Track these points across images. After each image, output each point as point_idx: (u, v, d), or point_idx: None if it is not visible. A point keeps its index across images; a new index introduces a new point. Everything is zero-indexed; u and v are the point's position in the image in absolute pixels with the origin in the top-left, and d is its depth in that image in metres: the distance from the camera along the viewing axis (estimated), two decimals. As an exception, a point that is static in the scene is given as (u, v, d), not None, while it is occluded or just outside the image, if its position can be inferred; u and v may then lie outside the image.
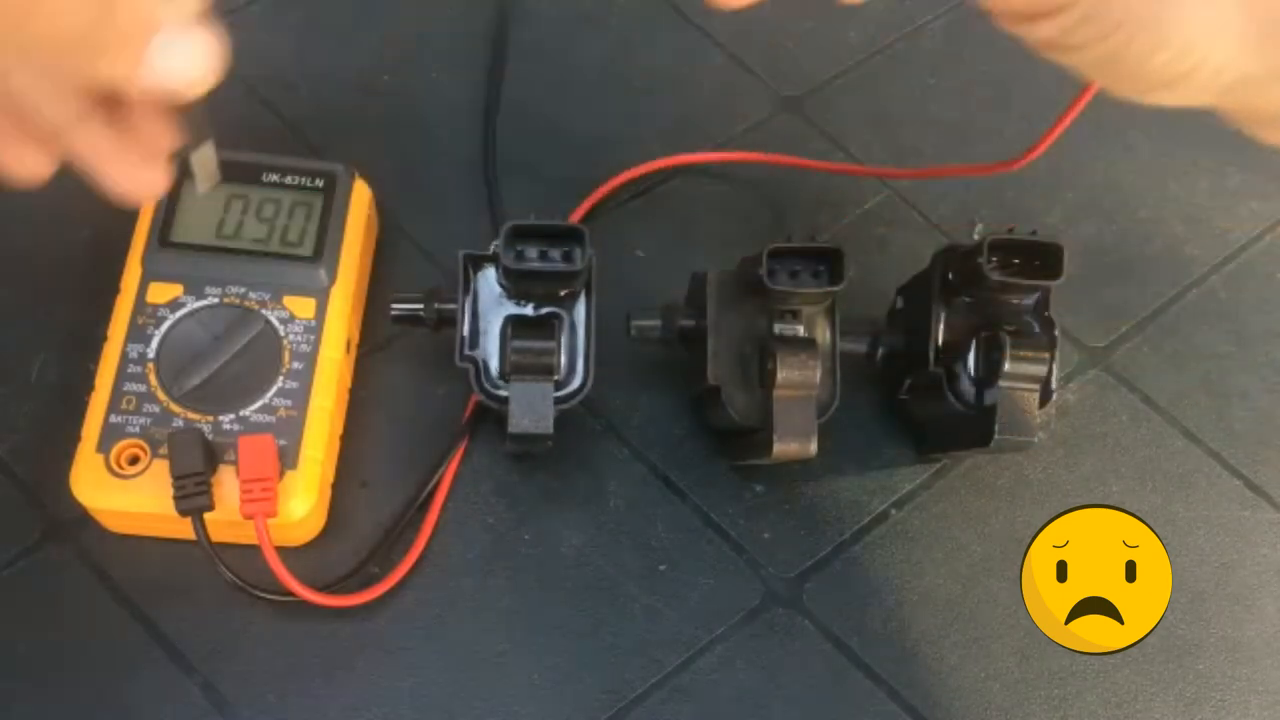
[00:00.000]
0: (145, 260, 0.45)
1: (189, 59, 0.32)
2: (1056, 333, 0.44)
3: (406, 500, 0.45)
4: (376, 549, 0.44)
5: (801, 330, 0.44)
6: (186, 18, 0.31)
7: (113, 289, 0.45)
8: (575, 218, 0.51)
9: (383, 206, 0.50)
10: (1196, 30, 0.31)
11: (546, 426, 0.42)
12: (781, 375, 0.42)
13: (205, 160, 0.36)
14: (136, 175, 0.36)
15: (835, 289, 0.42)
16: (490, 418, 0.46)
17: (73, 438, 0.42)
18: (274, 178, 0.46)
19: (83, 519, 0.43)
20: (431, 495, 0.45)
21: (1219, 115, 0.35)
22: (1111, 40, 0.30)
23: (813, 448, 0.43)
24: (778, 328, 0.44)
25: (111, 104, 0.33)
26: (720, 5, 0.34)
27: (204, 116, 0.35)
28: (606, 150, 0.54)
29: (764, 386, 0.43)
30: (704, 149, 0.54)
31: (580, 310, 0.44)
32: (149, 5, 0.30)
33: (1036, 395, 0.43)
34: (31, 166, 0.35)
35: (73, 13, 0.29)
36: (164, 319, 0.44)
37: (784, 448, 0.42)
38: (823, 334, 0.45)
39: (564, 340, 0.43)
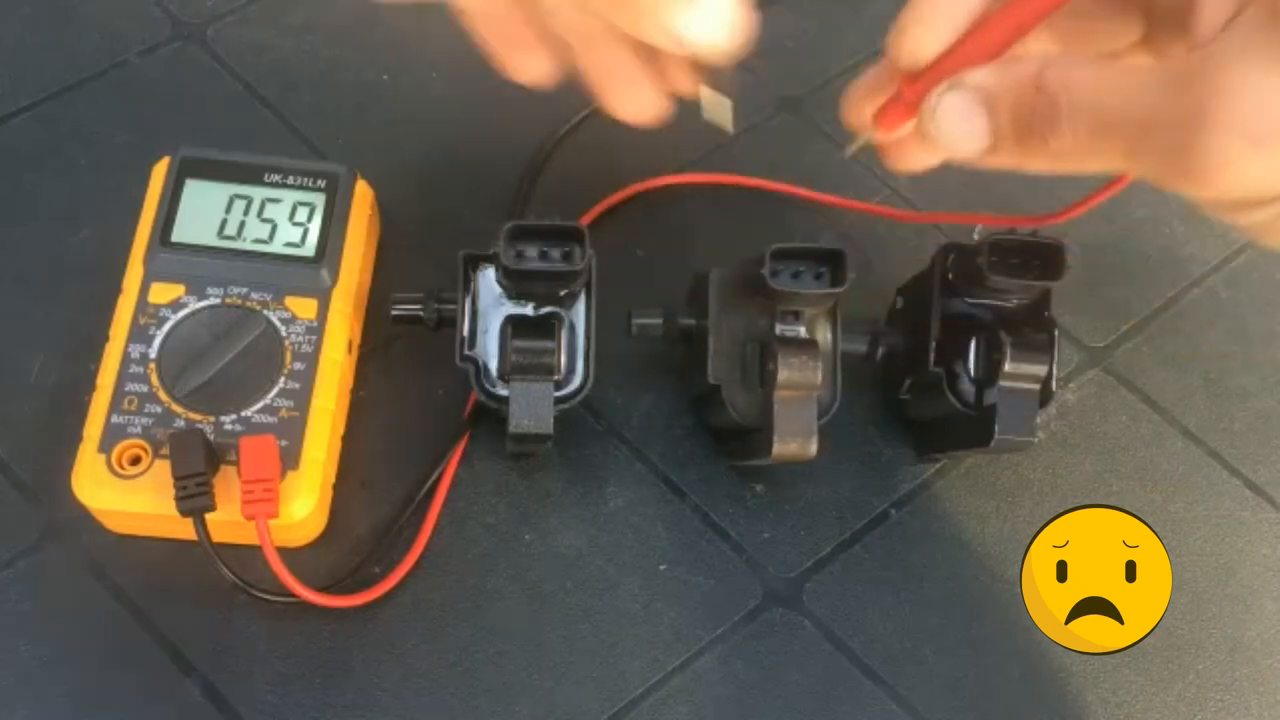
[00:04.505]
0: (147, 260, 0.45)
1: (715, 27, 0.34)
2: (1056, 333, 0.44)
3: (407, 500, 0.45)
4: (377, 549, 0.44)
5: (803, 331, 0.44)
6: None
7: (114, 289, 0.45)
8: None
9: (383, 206, 0.50)
10: None
11: (546, 426, 0.42)
12: (782, 376, 0.42)
13: (721, 112, 0.39)
14: (640, 100, 0.39)
15: (838, 290, 0.42)
16: (490, 417, 0.46)
17: (73, 438, 0.42)
18: (276, 178, 0.46)
19: (83, 519, 0.43)
20: (431, 495, 0.45)
21: None
22: None
23: (813, 449, 0.43)
24: (779, 328, 0.44)
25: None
26: (901, 169, 0.39)
27: (728, 75, 0.37)
28: (605, 150, 0.54)
29: (764, 387, 0.43)
30: (704, 150, 0.54)
31: (580, 310, 0.44)
32: None
33: (1036, 395, 0.43)
34: (536, 70, 0.38)
35: None
36: (166, 319, 0.44)
37: (783, 448, 0.42)
38: (824, 335, 0.45)
39: (564, 340, 0.43)
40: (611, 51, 0.38)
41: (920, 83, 0.35)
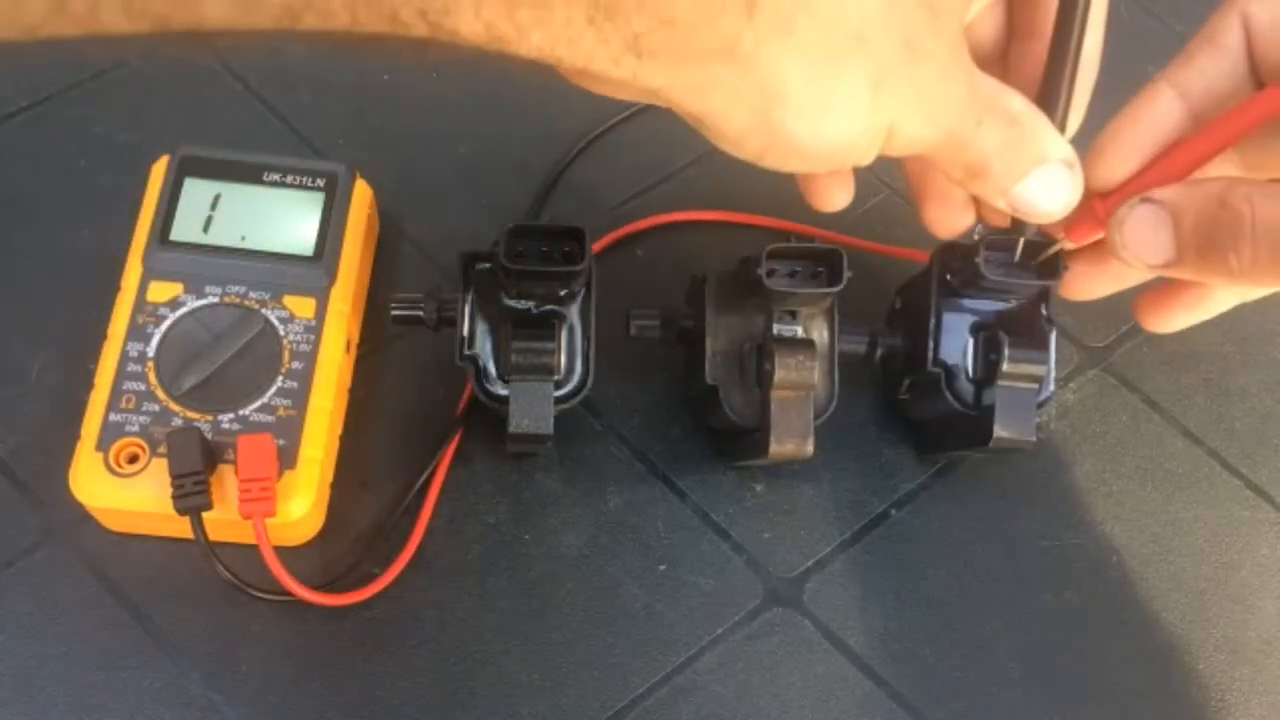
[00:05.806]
0: (146, 259, 0.45)
1: (1049, 199, 0.36)
2: (1056, 333, 0.44)
3: (403, 500, 0.45)
4: (373, 548, 0.44)
5: (800, 331, 0.44)
6: (1065, 161, 0.35)
7: (113, 288, 0.45)
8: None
9: (382, 206, 0.50)
10: None
11: (546, 426, 0.42)
12: (779, 376, 0.42)
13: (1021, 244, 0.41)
14: (955, 224, 0.42)
15: (834, 290, 0.42)
16: (486, 415, 0.46)
17: (72, 438, 0.42)
18: (275, 177, 0.46)
19: (83, 519, 0.43)
20: (425, 492, 0.45)
21: None
22: None
23: (809, 448, 0.43)
24: (776, 328, 0.44)
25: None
26: (1075, 297, 0.43)
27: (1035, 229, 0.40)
28: (605, 151, 0.54)
29: (761, 387, 0.43)
30: (702, 151, 0.54)
31: (580, 310, 0.44)
32: (1045, 142, 0.35)
33: (1036, 395, 0.43)
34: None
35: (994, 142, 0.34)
36: (164, 318, 0.44)
37: (780, 448, 0.42)
38: (821, 334, 0.45)
39: (564, 340, 0.43)
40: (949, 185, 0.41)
41: (1110, 200, 0.37)
